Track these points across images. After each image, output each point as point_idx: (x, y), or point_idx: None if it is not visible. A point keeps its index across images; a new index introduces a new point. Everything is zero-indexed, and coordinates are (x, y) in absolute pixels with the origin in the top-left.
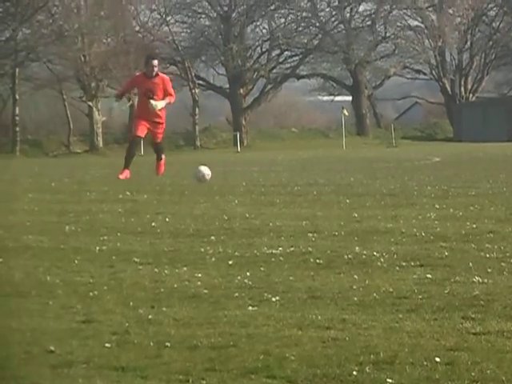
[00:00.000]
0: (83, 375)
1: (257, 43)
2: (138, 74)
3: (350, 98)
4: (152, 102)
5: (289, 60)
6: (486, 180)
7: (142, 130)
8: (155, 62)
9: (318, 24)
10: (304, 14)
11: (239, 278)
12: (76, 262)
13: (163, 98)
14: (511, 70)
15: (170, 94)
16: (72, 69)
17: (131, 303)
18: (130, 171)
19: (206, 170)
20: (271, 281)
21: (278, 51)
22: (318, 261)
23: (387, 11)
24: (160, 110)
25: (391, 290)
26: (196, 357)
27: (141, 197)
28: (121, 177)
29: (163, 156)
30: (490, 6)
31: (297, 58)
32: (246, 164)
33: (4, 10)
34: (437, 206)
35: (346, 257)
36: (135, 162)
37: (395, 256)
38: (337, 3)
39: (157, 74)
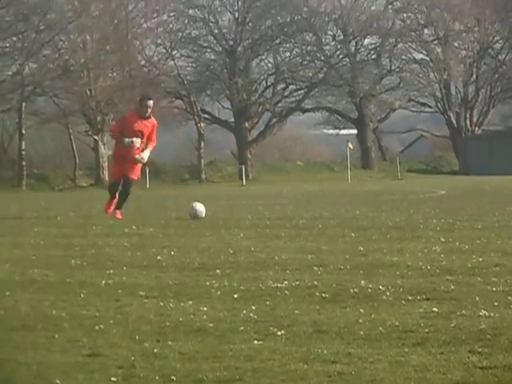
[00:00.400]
0: None
1: (262, 77)
2: (130, 113)
3: (355, 132)
4: (140, 155)
5: (294, 94)
6: (492, 213)
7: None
8: (150, 102)
9: (323, 58)
10: (309, 47)
11: (245, 311)
12: (82, 295)
13: (145, 143)
14: None
15: (152, 140)
16: (78, 103)
17: (137, 337)
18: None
19: (199, 207)
20: (277, 314)
21: (283, 85)
22: (323, 294)
23: (392, 44)
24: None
25: (397, 323)
26: None
27: (146, 230)
28: (118, 216)
29: (123, 207)
30: (495, 38)
31: (302, 91)
32: (251, 197)
33: (11, 44)
34: (442, 240)
35: (351, 290)
36: (140, 196)
37: (401, 289)
38: (342, 37)
39: (149, 116)
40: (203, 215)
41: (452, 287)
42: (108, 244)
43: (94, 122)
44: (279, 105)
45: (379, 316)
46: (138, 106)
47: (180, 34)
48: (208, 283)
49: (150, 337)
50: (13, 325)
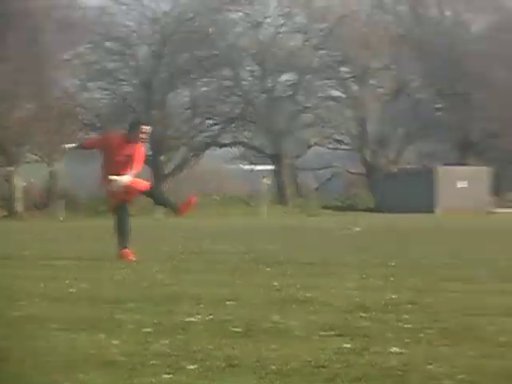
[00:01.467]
0: None
1: (179, 111)
2: (114, 135)
3: (271, 167)
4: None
5: (211, 128)
6: (407, 251)
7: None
8: (147, 128)
9: (240, 93)
10: (226, 82)
11: (157, 345)
12: None
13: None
14: (432, 142)
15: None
16: None
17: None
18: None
19: None
20: (189, 349)
21: (199, 119)
22: (236, 329)
23: (309, 81)
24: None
25: (309, 359)
26: None
27: (60, 262)
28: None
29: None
30: (412, 77)
31: (219, 126)
32: (168, 230)
33: None
34: (356, 276)
35: (264, 325)
36: (54, 227)
37: (314, 325)
38: (259, 72)
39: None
40: None
41: (365, 324)
42: (20, 276)
43: (9, 153)
44: (196, 139)
45: (291, 351)
46: (131, 131)
47: (96, 66)
48: (120, 316)
49: (59, 369)
50: None
